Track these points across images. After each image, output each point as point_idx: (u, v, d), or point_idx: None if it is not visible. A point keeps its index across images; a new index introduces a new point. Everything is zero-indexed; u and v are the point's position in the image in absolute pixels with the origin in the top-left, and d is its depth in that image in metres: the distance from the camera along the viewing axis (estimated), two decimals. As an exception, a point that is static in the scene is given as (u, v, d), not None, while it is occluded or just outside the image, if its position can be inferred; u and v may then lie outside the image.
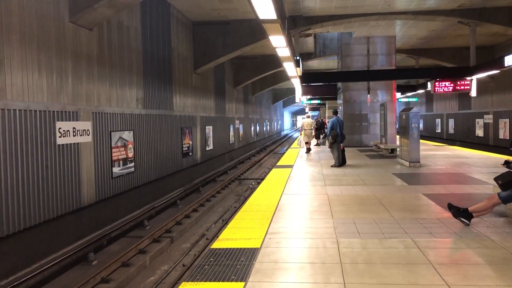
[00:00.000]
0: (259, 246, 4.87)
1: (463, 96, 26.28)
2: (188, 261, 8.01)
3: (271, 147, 37.56)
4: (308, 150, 16.91)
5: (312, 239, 5.14)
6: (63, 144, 8.36)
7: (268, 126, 44.29)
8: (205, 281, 3.92)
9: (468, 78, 14.98)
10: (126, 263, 7.61)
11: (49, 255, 7.67)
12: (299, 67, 12.56)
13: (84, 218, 8.99)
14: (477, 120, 25.41)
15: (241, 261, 4.39)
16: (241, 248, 4.81)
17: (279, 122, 58.75)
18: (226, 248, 4.84)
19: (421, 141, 23.46)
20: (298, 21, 14.91)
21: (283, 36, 7.84)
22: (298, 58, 12.56)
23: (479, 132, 25.01)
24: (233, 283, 3.85)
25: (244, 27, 15.79)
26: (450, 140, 29.24)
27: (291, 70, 12.75)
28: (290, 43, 10.25)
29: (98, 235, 9.05)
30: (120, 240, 9.25)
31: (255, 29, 15.26)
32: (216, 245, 5.01)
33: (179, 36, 15.18)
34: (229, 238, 5.23)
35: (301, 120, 21.12)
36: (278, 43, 8.60)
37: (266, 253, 4.63)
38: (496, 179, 5.53)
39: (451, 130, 30.12)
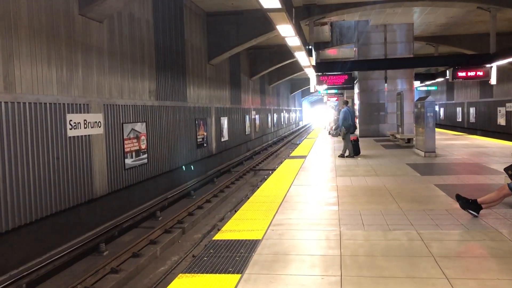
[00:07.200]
0: (260, 238, 4.84)
1: (485, 84, 25.60)
2: (198, 252, 8.04)
3: (289, 137, 37.42)
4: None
5: (315, 230, 5.09)
6: (74, 136, 8.46)
7: (285, 117, 44.06)
8: (202, 273, 3.91)
9: (488, 65, 14.54)
10: (137, 253, 7.71)
11: (61, 246, 7.80)
12: (312, 56, 12.36)
13: (96, 209, 9.11)
14: (499, 108, 24.77)
15: (240, 253, 4.37)
16: (242, 240, 4.79)
17: (297, 113, 58.32)
18: (228, 240, 4.82)
19: (441, 130, 23.09)
20: (313, 9, 14.65)
21: (290, 25, 7.72)
22: (310, 47, 12.38)
23: (501, 121, 24.41)
24: (229, 275, 3.83)
25: (258, 17, 15.59)
26: (471, 129, 28.60)
27: (304, 59, 12.58)
28: (299, 32, 10.10)
29: (109, 225, 9.17)
30: (132, 231, 9.36)
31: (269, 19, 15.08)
32: (218, 236, 5.00)
33: (192, 28, 15.15)
34: (232, 230, 5.22)
35: (316, 112, 23.08)
36: (286, 32, 8.48)
37: (266, 245, 4.60)
38: (506, 169, 5.37)
39: (472, 119, 29.46)
